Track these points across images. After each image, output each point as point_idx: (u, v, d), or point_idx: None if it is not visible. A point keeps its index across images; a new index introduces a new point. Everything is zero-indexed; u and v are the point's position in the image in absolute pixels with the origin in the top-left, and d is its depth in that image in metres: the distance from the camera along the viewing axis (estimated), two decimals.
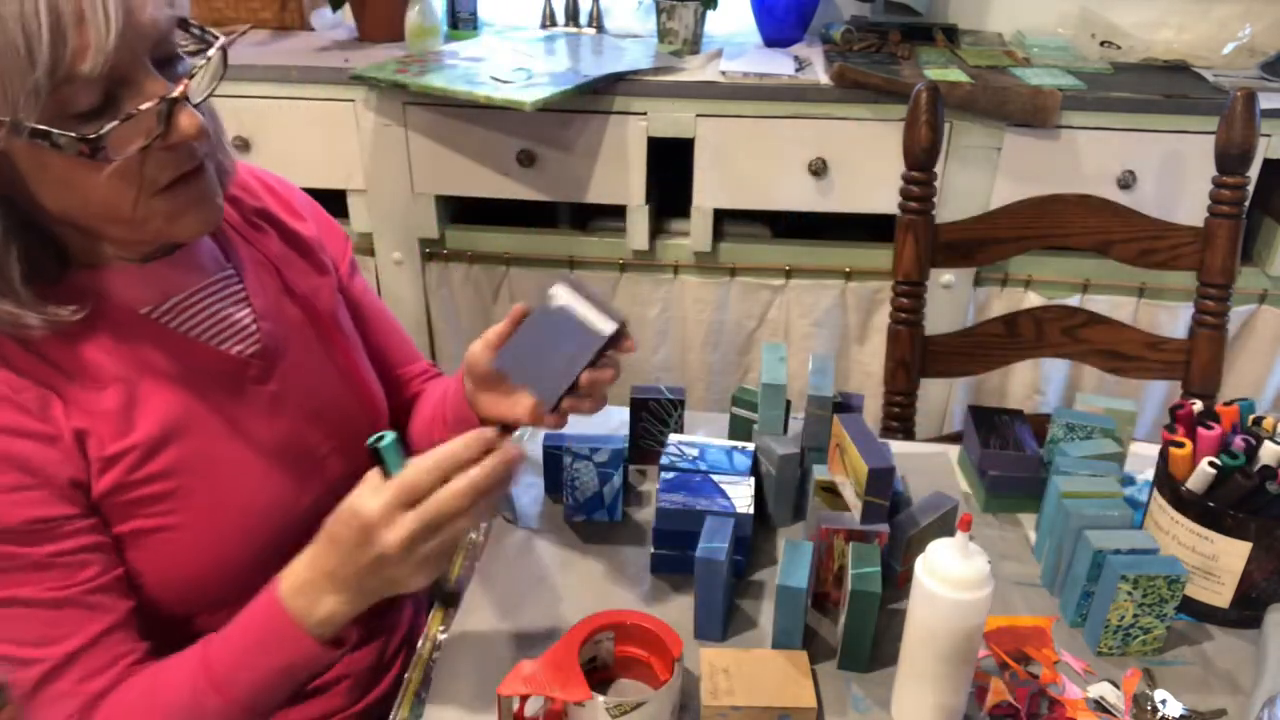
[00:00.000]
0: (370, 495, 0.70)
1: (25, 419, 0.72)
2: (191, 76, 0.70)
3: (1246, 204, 1.34)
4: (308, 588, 0.74)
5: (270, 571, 0.77)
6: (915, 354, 1.43)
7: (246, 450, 0.84)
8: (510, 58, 2.00)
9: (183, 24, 0.72)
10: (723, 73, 1.92)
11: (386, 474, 0.70)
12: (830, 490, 0.95)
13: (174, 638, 0.79)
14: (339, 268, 1.00)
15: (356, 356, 0.97)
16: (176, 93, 0.68)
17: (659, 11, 2.07)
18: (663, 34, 2.09)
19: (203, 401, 0.81)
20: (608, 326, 0.80)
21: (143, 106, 0.67)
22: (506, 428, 0.76)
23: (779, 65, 1.97)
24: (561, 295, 0.81)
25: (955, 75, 1.91)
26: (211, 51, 0.71)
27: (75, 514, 0.74)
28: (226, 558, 0.82)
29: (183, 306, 0.83)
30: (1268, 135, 1.83)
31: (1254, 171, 1.81)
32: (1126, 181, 1.90)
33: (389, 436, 0.71)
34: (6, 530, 0.71)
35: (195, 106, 0.70)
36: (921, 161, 1.34)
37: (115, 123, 0.66)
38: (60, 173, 0.67)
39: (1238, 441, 0.88)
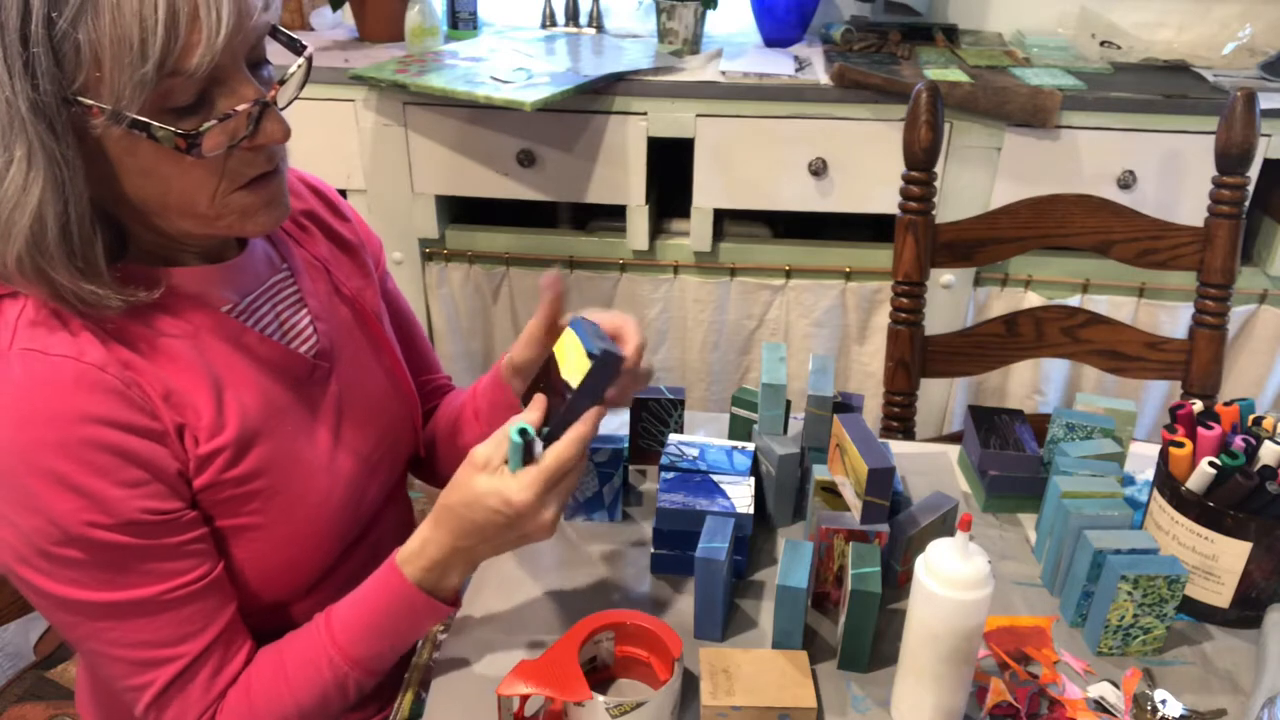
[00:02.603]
0: (521, 488, 0.75)
1: (139, 415, 0.72)
2: (283, 83, 0.72)
3: (1246, 204, 1.34)
4: (442, 567, 0.80)
5: (339, 564, 0.86)
6: (915, 354, 1.43)
7: (318, 449, 0.85)
8: (510, 58, 2.00)
9: (272, 30, 0.73)
10: (723, 73, 1.92)
11: (524, 460, 0.76)
12: (830, 490, 0.95)
13: (253, 625, 0.82)
14: (377, 270, 1.02)
15: (399, 358, 0.98)
16: (269, 97, 0.70)
17: (659, 11, 2.07)
18: (663, 34, 2.09)
19: (280, 401, 0.83)
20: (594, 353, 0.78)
21: (239, 108, 0.69)
22: None
23: (779, 65, 1.97)
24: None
25: (955, 75, 1.91)
26: (301, 60, 0.74)
27: (185, 507, 0.76)
28: (302, 554, 0.84)
29: (254, 306, 0.84)
30: (1268, 135, 1.83)
31: (1254, 171, 1.81)
32: (1126, 181, 1.90)
33: (530, 431, 0.76)
34: (132, 523, 0.72)
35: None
36: (921, 161, 1.34)
37: (214, 122, 0.68)
38: (146, 162, 0.69)
39: (1238, 441, 0.88)
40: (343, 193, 2.00)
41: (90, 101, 0.64)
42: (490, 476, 0.76)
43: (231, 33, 0.65)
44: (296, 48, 0.76)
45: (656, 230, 2.07)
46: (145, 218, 0.73)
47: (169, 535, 0.74)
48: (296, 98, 0.75)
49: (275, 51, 0.75)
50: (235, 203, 0.73)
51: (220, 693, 0.78)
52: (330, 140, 1.96)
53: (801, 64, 2.00)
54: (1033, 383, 2.08)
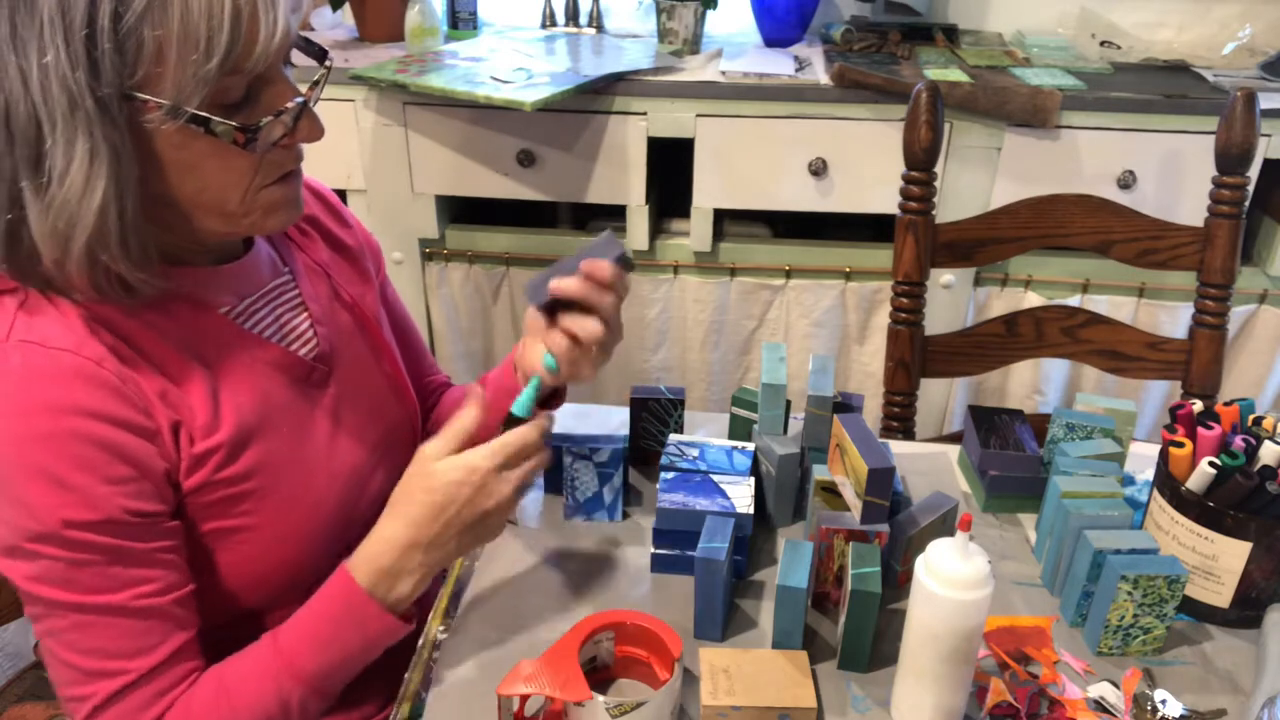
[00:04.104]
0: (482, 456, 0.78)
1: (132, 412, 0.72)
2: (317, 84, 0.76)
3: (1246, 204, 1.34)
4: (394, 570, 0.78)
5: (334, 568, 0.83)
6: (915, 354, 1.43)
7: (314, 451, 0.85)
8: (510, 58, 2.00)
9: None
10: (723, 73, 1.92)
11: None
12: (830, 490, 0.95)
13: (235, 635, 0.81)
14: (378, 275, 1.02)
15: (399, 363, 0.99)
16: (307, 96, 0.73)
17: (659, 11, 2.07)
18: (663, 34, 2.09)
19: (277, 402, 0.83)
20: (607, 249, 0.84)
21: (288, 105, 0.71)
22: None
23: (779, 65, 1.97)
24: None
25: (955, 75, 1.91)
26: (326, 64, 0.78)
27: (167, 512, 0.75)
28: (296, 557, 0.84)
29: (253, 309, 0.84)
30: (1268, 135, 1.83)
31: (1254, 171, 1.81)
32: (1126, 181, 1.90)
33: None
34: (111, 522, 0.71)
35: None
36: (921, 161, 1.34)
37: (270, 117, 0.70)
38: (192, 158, 0.70)
39: (1238, 441, 0.88)
40: (343, 193, 2.01)
41: (147, 96, 0.65)
42: (449, 457, 0.78)
43: (285, 33, 0.67)
44: (317, 53, 0.79)
45: (656, 230, 2.07)
46: (169, 215, 0.74)
47: (145, 539, 0.73)
48: (319, 99, 0.77)
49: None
50: (263, 198, 0.75)
51: (159, 715, 0.75)
52: (330, 140, 1.93)
53: (801, 64, 2.00)
54: (1033, 383, 2.08)
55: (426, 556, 0.78)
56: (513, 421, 0.82)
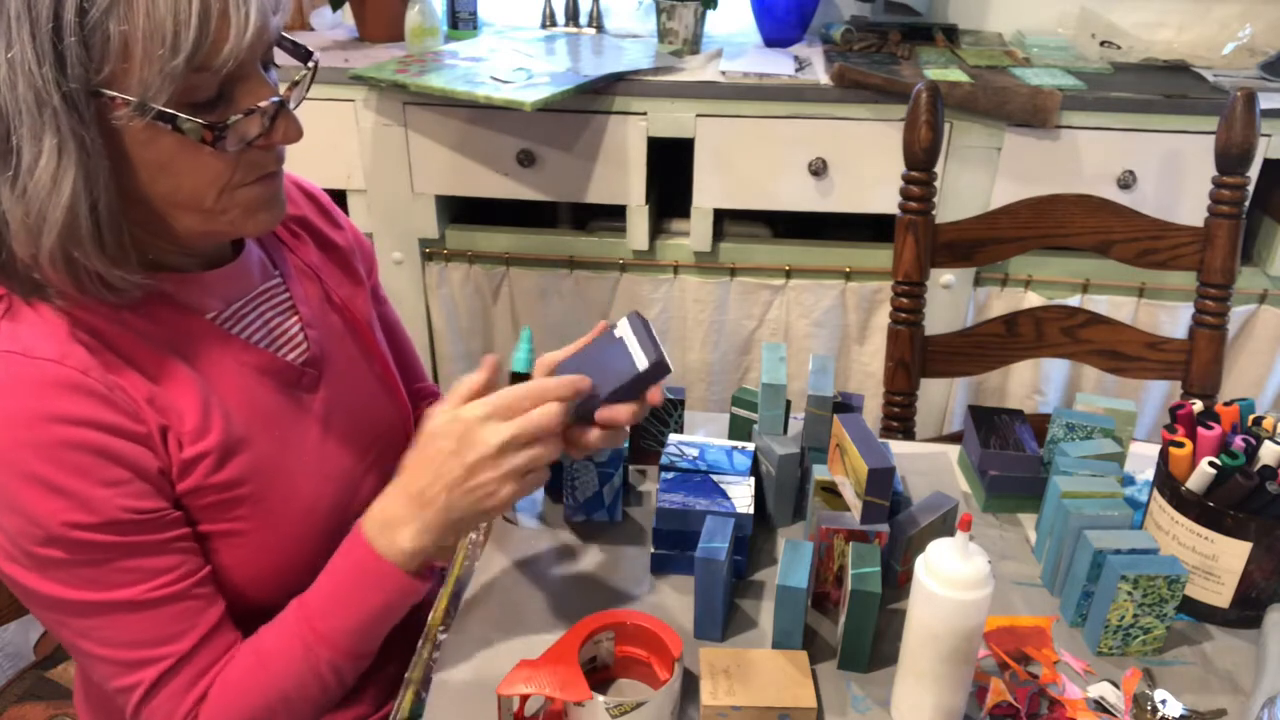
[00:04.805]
0: (472, 406, 0.75)
1: (122, 418, 0.72)
2: (296, 84, 0.75)
3: (1246, 204, 1.34)
4: (392, 520, 0.77)
5: None
6: (915, 354, 1.43)
7: (305, 456, 0.85)
8: (510, 58, 2.00)
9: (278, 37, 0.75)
10: (723, 73, 1.92)
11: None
12: (830, 490, 0.95)
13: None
14: (369, 277, 1.02)
15: (390, 365, 0.98)
16: (284, 96, 0.72)
17: (659, 11, 2.07)
18: (663, 34, 2.09)
19: (266, 408, 0.83)
20: (642, 362, 0.80)
21: (261, 104, 0.70)
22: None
23: (779, 65, 1.97)
24: (623, 327, 0.81)
25: (955, 75, 1.91)
26: (309, 65, 0.77)
27: (168, 507, 0.76)
28: (289, 559, 0.84)
29: (241, 313, 0.84)
30: (1268, 135, 1.83)
31: (1254, 171, 1.81)
32: (1126, 181, 1.90)
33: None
34: (114, 522, 0.71)
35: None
36: (921, 161, 1.34)
37: (240, 115, 0.70)
38: (162, 156, 0.69)
39: (1238, 441, 0.88)
40: (343, 193, 2.01)
41: (114, 93, 0.65)
42: (447, 409, 0.77)
43: (257, 31, 0.67)
44: (302, 54, 0.78)
45: (656, 230, 2.07)
46: (147, 215, 0.73)
47: (152, 533, 0.74)
48: (302, 100, 0.76)
49: (277, 57, 0.76)
50: (241, 198, 0.74)
51: (203, 692, 0.77)
52: (330, 140, 1.96)
53: (801, 64, 2.00)
54: (1033, 383, 2.08)
55: (420, 509, 0.76)
56: (516, 379, 0.80)
